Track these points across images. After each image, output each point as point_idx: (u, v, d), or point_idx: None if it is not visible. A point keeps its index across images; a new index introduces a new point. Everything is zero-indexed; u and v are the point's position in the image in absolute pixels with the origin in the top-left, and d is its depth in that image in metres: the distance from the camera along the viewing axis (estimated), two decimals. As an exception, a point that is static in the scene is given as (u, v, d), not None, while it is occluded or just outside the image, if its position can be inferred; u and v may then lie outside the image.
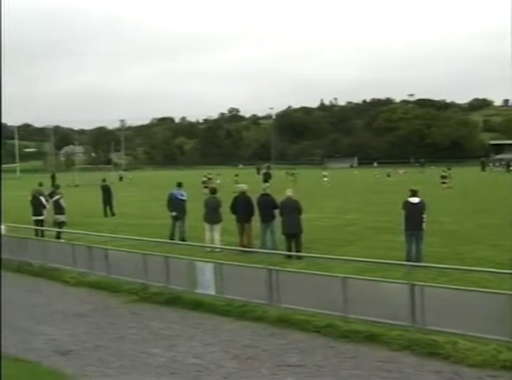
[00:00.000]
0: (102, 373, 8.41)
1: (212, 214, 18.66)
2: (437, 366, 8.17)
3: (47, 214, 22.13)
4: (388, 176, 64.69)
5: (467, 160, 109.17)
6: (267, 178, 47.64)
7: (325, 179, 57.31)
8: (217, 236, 18.42)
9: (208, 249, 17.13)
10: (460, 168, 79.79)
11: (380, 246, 17.91)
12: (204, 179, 47.41)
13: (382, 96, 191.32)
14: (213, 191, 20.15)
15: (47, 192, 24.01)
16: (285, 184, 37.79)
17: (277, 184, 42.12)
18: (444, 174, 47.75)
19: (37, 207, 21.83)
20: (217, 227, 18.59)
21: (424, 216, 15.25)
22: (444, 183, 46.37)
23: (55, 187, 26.99)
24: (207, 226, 18.74)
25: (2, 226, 20.04)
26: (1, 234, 18.23)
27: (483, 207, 28.82)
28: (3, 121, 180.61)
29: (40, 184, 27.08)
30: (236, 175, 51.43)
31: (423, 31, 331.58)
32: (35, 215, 21.75)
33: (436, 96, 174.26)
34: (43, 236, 19.33)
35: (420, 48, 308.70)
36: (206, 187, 39.13)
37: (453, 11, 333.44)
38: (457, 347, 8.48)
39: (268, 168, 66.55)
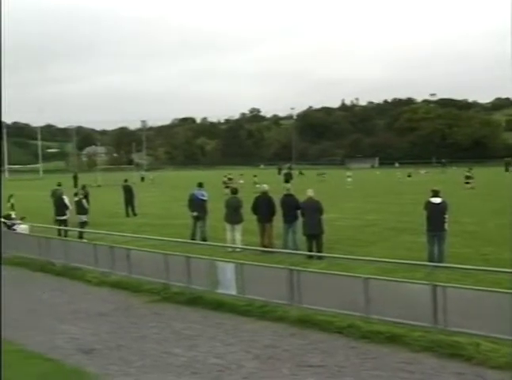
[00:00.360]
0: (124, 372, 8.46)
1: (233, 215, 18.69)
2: (459, 368, 8.09)
3: (70, 214, 22.32)
4: (409, 176, 64.10)
5: (489, 160, 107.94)
6: (288, 178, 47.61)
7: (349, 179, 56.89)
8: (238, 236, 18.43)
9: (230, 249, 17.15)
10: (482, 168, 79.12)
11: (401, 247, 17.83)
12: (225, 179, 47.43)
13: (403, 95, 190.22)
14: (234, 191, 20.18)
15: (71, 192, 24.28)
16: (313, 184, 37.67)
17: (305, 185, 42.04)
18: (468, 174, 47.32)
19: (60, 208, 22.02)
20: (238, 227, 18.59)
21: (446, 216, 15.12)
22: (468, 183, 45.92)
23: (82, 187, 27.38)
24: (228, 226, 18.77)
25: (26, 226, 20.30)
26: (1, 231, 18.48)
27: (506, 208, 28.51)
28: (27, 122, 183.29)
29: (59, 184, 27.31)
30: (255, 175, 51.50)
31: (444, 30, 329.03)
32: (58, 215, 21.94)
33: (458, 96, 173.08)
34: (66, 236, 19.48)
35: (441, 47, 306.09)
36: (227, 187, 39.14)
37: (474, 8, 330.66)
38: (480, 348, 8.39)
39: (289, 168, 66.53)
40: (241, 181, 47.75)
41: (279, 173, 64.77)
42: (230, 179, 47.55)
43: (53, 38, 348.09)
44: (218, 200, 23.52)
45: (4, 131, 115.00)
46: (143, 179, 73.34)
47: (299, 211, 17.50)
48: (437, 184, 21.13)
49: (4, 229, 20.14)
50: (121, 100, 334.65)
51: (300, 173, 74.12)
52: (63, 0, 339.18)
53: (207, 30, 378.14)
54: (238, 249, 17.07)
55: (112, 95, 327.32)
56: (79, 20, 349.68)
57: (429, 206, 15.34)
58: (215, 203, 22.98)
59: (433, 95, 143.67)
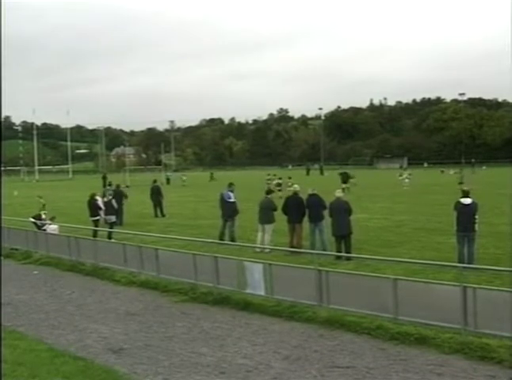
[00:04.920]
0: (153, 371, 8.49)
1: (265, 215, 18.67)
2: (491, 371, 7.99)
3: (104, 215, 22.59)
4: (442, 171, 62.61)
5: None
6: (345, 179, 46.45)
7: (406, 180, 52.72)
8: (267, 236, 18.41)
9: (258, 250, 17.16)
10: (513, 168, 78.11)
11: (430, 247, 17.70)
12: (271, 181, 47.34)
13: (432, 95, 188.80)
14: (268, 191, 20.13)
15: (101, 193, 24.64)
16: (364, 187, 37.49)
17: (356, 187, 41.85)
18: None
19: (94, 209, 22.30)
20: (268, 228, 18.57)
21: (476, 217, 14.94)
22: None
23: (116, 186, 27.83)
24: (259, 227, 18.78)
25: (56, 226, 20.53)
26: (1, 228, 18.70)
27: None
28: (56, 123, 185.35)
29: (110, 184, 28.14)
30: (290, 177, 51.50)
31: (473, 29, 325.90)
32: (92, 216, 22.27)
33: (487, 95, 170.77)
34: (95, 236, 19.66)
35: (471, 46, 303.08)
36: (280, 190, 38.94)
37: (503, 8, 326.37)
38: (512, 351, 8.29)
39: (321, 168, 66.27)
40: (280, 180, 47.66)
41: (307, 174, 64.64)
42: (278, 184, 47.65)
43: (86, 38, 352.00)
44: (249, 201, 23.50)
45: (34, 132, 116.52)
46: (168, 181, 70.86)
47: (325, 211, 17.47)
48: (467, 184, 20.91)
49: (34, 229, 20.39)
50: (149, 100, 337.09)
51: (321, 173, 74.03)
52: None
53: (236, 31, 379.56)
54: (267, 250, 17.05)
55: (141, 95, 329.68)
56: (113, 20, 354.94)
57: (459, 206, 15.16)
58: (247, 203, 22.95)
59: (462, 94, 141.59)
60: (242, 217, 21.31)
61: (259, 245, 17.66)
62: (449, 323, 9.18)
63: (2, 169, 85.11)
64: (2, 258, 18.03)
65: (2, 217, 19.85)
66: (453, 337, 8.94)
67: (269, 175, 50.48)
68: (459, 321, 9.04)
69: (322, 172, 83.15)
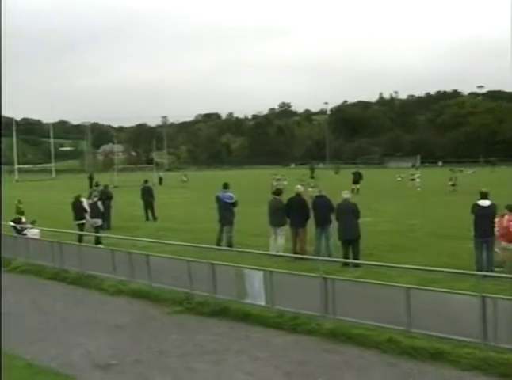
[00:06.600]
0: (143, 389, 8.49)
1: (276, 217, 18.64)
2: (512, 389, 7.99)
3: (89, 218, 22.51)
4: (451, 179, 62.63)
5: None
6: (358, 179, 46.62)
7: (417, 180, 52.09)
8: (280, 240, 18.38)
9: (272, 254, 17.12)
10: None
11: (446, 254, 17.67)
12: (279, 181, 47.75)
13: (448, 88, 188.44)
14: (277, 192, 20.05)
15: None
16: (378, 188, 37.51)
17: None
18: None
19: (79, 211, 22.10)
20: (281, 231, 18.55)
21: (496, 221, 14.94)
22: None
23: (105, 187, 27.87)
24: (271, 230, 18.77)
25: (37, 230, 20.50)
26: (1, 234, 18.63)
27: None
28: (38, 118, 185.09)
29: (97, 185, 28.27)
30: (305, 175, 51.57)
31: (492, 18, 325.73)
32: (77, 219, 22.07)
33: (508, 88, 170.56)
34: (80, 241, 19.63)
35: (489, 36, 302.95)
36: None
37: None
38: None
39: (337, 168, 66.01)
40: (285, 182, 47.92)
41: (312, 173, 64.39)
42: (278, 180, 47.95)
43: (66, 26, 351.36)
44: (251, 202, 23.47)
45: (13, 128, 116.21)
46: (160, 181, 70.73)
47: (332, 214, 17.45)
48: (486, 185, 20.88)
49: (14, 233, 20.33)
50: (140, 94, 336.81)
51: (336, 173, 73.99)
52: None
53: (233, 18, 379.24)
54: (278, 254, 17.00)
55: (131, 89, 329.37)
56: (94, 7, 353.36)
57: (477, 209, 15.13)
58: (247, 205, 22.91)
59: (480, 87, 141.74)
60: (241, 221, 21.28)
61: (258, 251, 17.57)
62: (467, 336, 9.17)
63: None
64: None
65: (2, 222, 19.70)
66: (472, 352, 8.91)
67: (276, 175, 50.62)
68: (477, 335, 9.04)
69: (337, 172, 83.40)
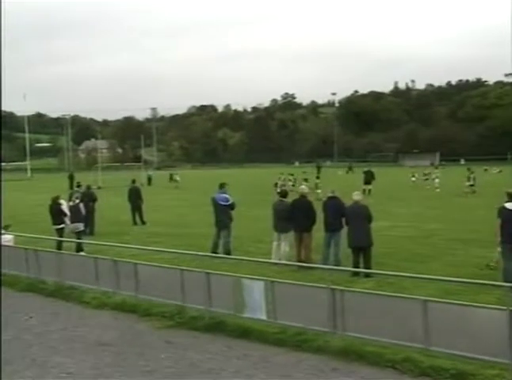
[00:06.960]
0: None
1: (281, 222, 18.60)
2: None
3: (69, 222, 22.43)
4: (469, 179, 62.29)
5: None
6: (369, 179, 46.88)
7: (437, 180, 52.59)
8: (284, 247, 18.38)
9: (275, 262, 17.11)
10: None
11: (468, 262, 17.65)
12: (285, 182, 47.91)
13: (471, 77, 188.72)
14: (283, 194, 19.99)
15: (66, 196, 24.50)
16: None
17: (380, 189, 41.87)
18: None
19: (57, 215, 21.99)
20: (285, 237, 18.54)
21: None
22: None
23: (87, 188, 27.85)
24: (274, 235, 18.77)
25: (11, 236, 20.42)
26: (0, 244, 18.56)
27: None
28: (10, 110, 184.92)
29: (79, 185, 28.93)
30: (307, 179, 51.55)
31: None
32: (55, 224, 21.97)
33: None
34: (60, 248, 19.59)
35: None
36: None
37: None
38: None
39: (349, 167, 65.90)
40: (290, 183, 48.08)
41: (318, 172, 64.45)
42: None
43: (45, 10, 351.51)
44: (251, 204, 23.46)
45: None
46: (149, 180, 71.32)
47: (344, 219, 17.37)
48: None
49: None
50: (126, 84, 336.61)
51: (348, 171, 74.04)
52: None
53: (231, 2, 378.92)
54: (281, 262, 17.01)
55: (116, 78, 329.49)
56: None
57: (504, 212, 15.09)
58: (246, 207, 22.90)
59: (508, 75, 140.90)
60: (239, 225, 21.26)
61: (259, 259, 17.54)
62: (494, 356, 9.11)
63: None
64: None
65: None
66: (499, 374, 8.85)
67: (282, 174, 50.68)
68: (506, 354, 8.98)
69: (350, 170, 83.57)
